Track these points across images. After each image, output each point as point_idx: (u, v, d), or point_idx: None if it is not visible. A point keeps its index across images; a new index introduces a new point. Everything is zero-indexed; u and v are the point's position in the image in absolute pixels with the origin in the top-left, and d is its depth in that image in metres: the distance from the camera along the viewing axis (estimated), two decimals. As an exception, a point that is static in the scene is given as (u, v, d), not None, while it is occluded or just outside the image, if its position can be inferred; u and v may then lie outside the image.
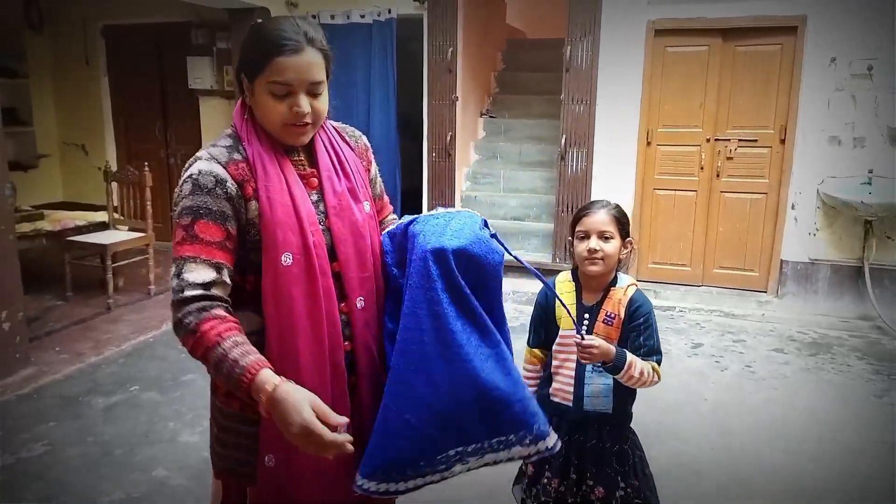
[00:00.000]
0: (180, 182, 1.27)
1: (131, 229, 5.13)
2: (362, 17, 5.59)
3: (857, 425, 3.22)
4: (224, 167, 1.26)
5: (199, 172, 1.25)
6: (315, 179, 1.36)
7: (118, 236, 4.96)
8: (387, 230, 1.50)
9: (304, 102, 1.27)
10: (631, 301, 1.82)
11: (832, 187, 4.61)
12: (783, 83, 4.80)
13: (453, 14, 5.41)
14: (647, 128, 5.16)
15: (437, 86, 5.56)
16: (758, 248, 5.05)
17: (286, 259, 1.26)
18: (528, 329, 2.02)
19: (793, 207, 4.83)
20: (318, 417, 1.09)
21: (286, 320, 1.28)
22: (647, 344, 1.80)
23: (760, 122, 4.92)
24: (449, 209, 1.43)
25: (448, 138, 5.58)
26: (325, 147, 1.39)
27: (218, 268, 1.23)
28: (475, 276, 1.33)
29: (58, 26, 6.75)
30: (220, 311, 1.19)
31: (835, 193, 4.57)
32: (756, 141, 4.95)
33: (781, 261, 4.92)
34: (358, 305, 1.37)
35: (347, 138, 1.49)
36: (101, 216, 5.26)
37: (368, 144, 1.56)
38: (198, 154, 1.30)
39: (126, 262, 5.04)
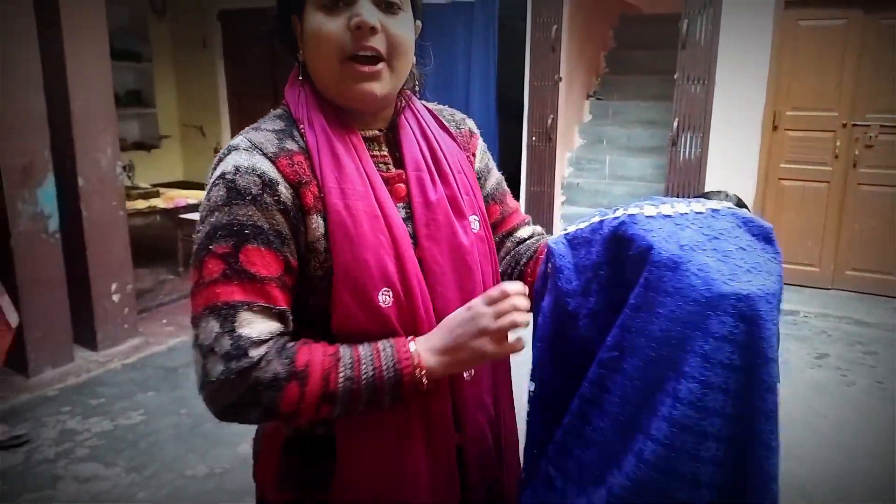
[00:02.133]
0: (207, 186, 0.84)
1: None
2: (465, -6, 5.45)
3: None
4: (273, 161, 0.83)
5: (236, 171, 0.81)
6: (402, 185, 0.91)
7: (224, 215, 5.13)
8: (562, 235, 0.93)
9: (369, 9, 0.83)
10: None
11: None
12: (940, 60, 4.18)
13: (560, -11, 5.14)
14: (773, 110, 4.67)
15: (540, 65, 5.31)
16: (899, 248, 4.47)
17: (385, 299, 0.83)
18: None
19: (945, 203, 4.23)
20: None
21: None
22: None
23: (908, 106, 4.32)
24: (685, 201, 0.88)
25: (549, 121, 5.34)
26: (415, 135, 0.95)
27: (283, 318, 0.82)
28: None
29: (178, 11, 7.09)
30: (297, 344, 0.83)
31: None
32: (902, 126, 4.36)
33: (927, 264, 4.34)
34: (465, 375, 0.92)
35: (446, 123, 1.02)
36: (211, 195, 5.47)
37: (475, 129, 1.08)
38: (233, 141, 0.87)
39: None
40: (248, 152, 0.83)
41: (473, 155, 1.05)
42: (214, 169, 0.84)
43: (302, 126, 0.88)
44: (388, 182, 0.90)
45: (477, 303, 0.82)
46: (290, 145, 0.86)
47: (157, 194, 5.25)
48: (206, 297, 0.79)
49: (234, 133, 7.07)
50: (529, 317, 0.81)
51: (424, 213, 0.90)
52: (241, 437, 2.91)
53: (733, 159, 4.77)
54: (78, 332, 3.57)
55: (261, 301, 0.79)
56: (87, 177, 3.52)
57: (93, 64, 3.48)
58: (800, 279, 4.72)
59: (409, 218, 0.90)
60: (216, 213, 0.81)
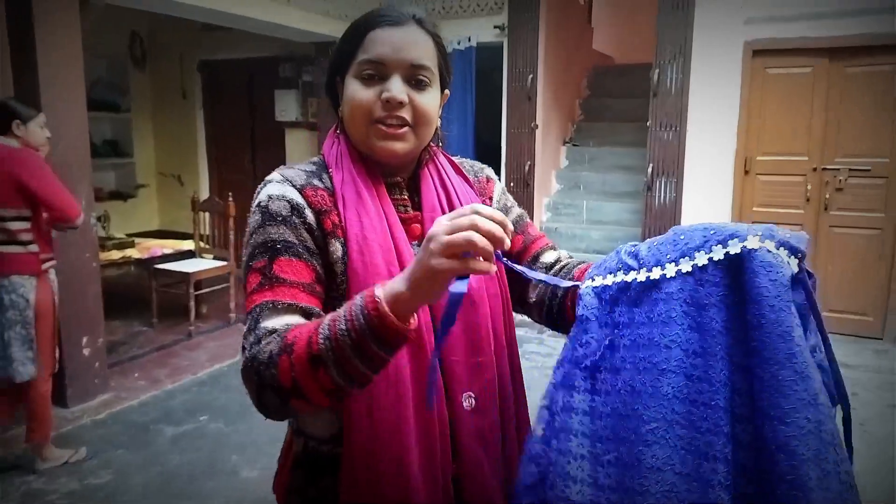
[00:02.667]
0: (250, 216, 0.97)
1: (216, 258, 5.25)
2: (443, 46, 5.56)
3: None
4: (300, 191, 0.96)
5: (269, 198, 0.95)
6: (418, 225, 1.01)
7: (202, 264, 5.07)
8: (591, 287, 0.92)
9: (398, 86, 0.94)
10: None
11: (963, 222, 4.08)
12: (901, 107, 4.33)
13: (534, 40, 5.27)
14: (745, 155, 4.78)
15: (516, 113, 5.41)
16: (872, 289, 4.54)
17: None
18: None
19: (914, 244, 4.32)
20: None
21: (385, 422, 0.91)
22: None
23: (874, 151, 4.45)
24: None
25: (527, 167, 5.41)
26: (434, 183, 1.05)
27: (307, 315, 0.88)
28: None
29: (158, 63, 7.15)
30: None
31: (966, 229, 4.04)
32: (869, 171, 4.47)
33: (901, 304, 4.40)
34: (465, 405, 0.96)
35: (465, 173, 1.14)
36: (189, 245, 5.42)
37: (492, 176, 1.19)
38: (268, 177, 0.99)
39: (210, 289, 5.15)
40: (280, 184, 0.96)
41: (490, 199, 1.15)
42: (255, 199, 0.97)
43: (331, 169, 1.00)
44: (405, 222, 1.00)
45: (437, 219, 0.78)
46: (317, 182, 0.98)
47: (131, 244, 5.18)
48: (247, 306, 0.90)
49: (212, 182, 7.12)
50: (487, 243, 0.73)
51: None
52: (214, 495, 2.82)
53: (707, 203, 4.85)
54: (46, 388, 3.46)
55: (286, 299, 0.88)
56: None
57: (69, 115, 3.47)
58: (778, 321, 4.74)
59: None
60: (254, 236, 0.93)
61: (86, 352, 3.58)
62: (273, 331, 0.84)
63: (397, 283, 0.77)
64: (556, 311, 1.03)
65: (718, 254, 0.80)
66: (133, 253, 5.02)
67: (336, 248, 0.94)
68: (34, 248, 2.83)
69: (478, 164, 1.19)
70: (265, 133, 6.76)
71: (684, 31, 4.74)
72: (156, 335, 4.88)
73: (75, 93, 3.51)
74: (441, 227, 0.75)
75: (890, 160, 4.40)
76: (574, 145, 6.28)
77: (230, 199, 5.11)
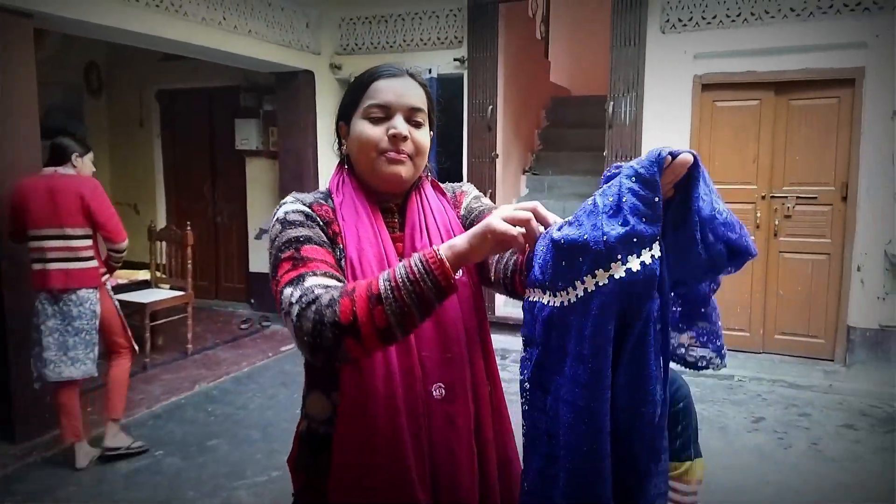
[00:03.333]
0: (270, 230, 1.16)
1: (173, 287, 5.15)
2: (404, 77, 5.63)
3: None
4: (309, 206, 1.17)
5: (286, 213, 1.15)
6: (401, 244, 1.21)
7: (158, 295, 4.97)
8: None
9: (402, 124, 1.16)
10: (670, 383, 1.60)
11: (902, 247, 4.28)
12: (842, 138, 4.54)
13: (493, 73, 5.39)
14: (696, 185, 4.93)
15: (477, 143, 5.50)
16: (822, 312, 4.70)
17: None
18: None
19: (858, 269, 4.49)
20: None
21: (370, 407, 1.09)
22: (685, 434, 1.56)
23: (819, 179, 4.65)
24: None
25: (488, 196, 5.47)
26: (417, 208, 1.24)
27: (341, 280, 1.07)
28: None
29: (115, 91, 7.05)
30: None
31: (906, 254, 4.23)
32: (815, 198, 4.67)
33: (848, 327, 4.55)
34: (435, 394, 1.15)
35: (446, 193, 1.34)
36: (144, 274, 5.31)
37: (466, 188, 1.38)
38: (283, 200, 1.21)
39: (166, 320, 5.03)
40: (293, 202, 1.17)
41: (460, 206, 1.33)
42: (273, 218, 1.16)
43: (333, 195, 1.20)
44: (395, 240, 1.20)
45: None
46: (322, 201, 1.20)
47: (86, 275, 5.04)
48: (283, 281, 1.04)
49: (169, 211, 7.01)
50: (537, 225, 1.02)
51: None
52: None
53: (664, 230, 4.97)
54: (-7, 424, 3.34)
55: (322, 268, 1.05)
56: (10, 258, 3.37)
57: (21, 142, 3.41)
58: (732, 344, 4.87)
59: None
60: (276, 241, 1.11)
61: (36, 385, 3.45)
62: (326, 286, 1.01)
63: (457, 241, 0.98)
64: (510, 287, 1.19)
65: (619, 272, 0.89)
66: (87, 284, 4.88)
67: (336, 253, 1.14)
68: (94, 263, 3.29)
69: (459, 186, 1.39)
70: (225, 161, 6.70)
71: (637, 66, 4.91)
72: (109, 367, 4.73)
73: (28, 120, 3.46)
74: (505, 208, 1.00)
75: (835, 188, 4.60)
76: (533, 174, 6.40)
77: (188, 227, 5.04)
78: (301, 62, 5.61)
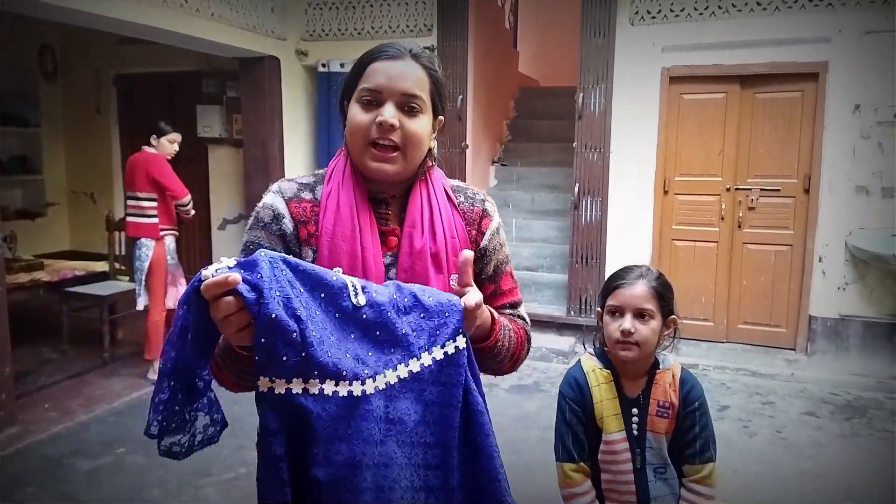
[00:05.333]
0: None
1: (132, 279, 4.99)
2: (372, 65, 5.54)
3: (904, 502, 2.92)
4: (286, 203, 1.14)
5: (262, 206, 1.15)
6: (395, 238, 1.15)
7: (117, 287, 4.81)
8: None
9: (391, 111, 1.09)
10: (682, 383, 1.55)
11: (861, 239, 4.38)
12: (805, 131, 4.63)
13: (463, 62, 5.34)
14: (663, 176, 4.98)
15: (447, 133, 5.45)
16: (784, 302, 4.80)
17: None
18: (555, 426, 1.60)
19: (820, 260, 4.60)
20: None
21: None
22: (704, 435, 1.52)
23: (783, 171, 4.73)
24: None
25: (458, 187, 5.45)
26: (421, 201, 1.16)
27: None
28: None
29: (70, 75, 6.79)
30: None
31: (864, 246, 4.33)
32: (779, 190, 4.75)
33: (810, 316, 4.66)
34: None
35: (457, 195, 1.24)
36: (102, 266, 5.14)
37: (490, 211, 1.26)
38: (270, 186, 1.19)
39: (126, 313, 4.88)
40: (274, 194, 1.16)
41: (482, 233, 1.24)
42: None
43: (325, 182, 1.15)
44: (385, 234, 1.14)
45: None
46: (306, 194, 1.16)
47: (40, 266, 4.86)
48: None
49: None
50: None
51: (406, 261, 1.12)
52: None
53: (630, 222, 5.02)
54: (-57, 424, 3.20)
55: None
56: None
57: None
58: (696, 334, 4.95)
59: (393, 264, 1.14)
60: (245, 234, 1.16)
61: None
62: None
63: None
64: None
65: (450, 348, 0.99)
66: (42, 275, 4.73)
67: (308, 254, 1.12)
68: (155, 220, 4.21)
69: (480, 195, 1.27)
70: (186, 149, 6.45)
71: (606, 57, 4.91)
72: (67, 363, 4.58)
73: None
74: (477, 293, 1.04)
75: (797, 180, 4.69)
76: (503, 165, 6.38)
77: (149, 218, 4.88)
78: (266, 48, 5.47)
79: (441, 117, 1.20)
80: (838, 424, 3.77)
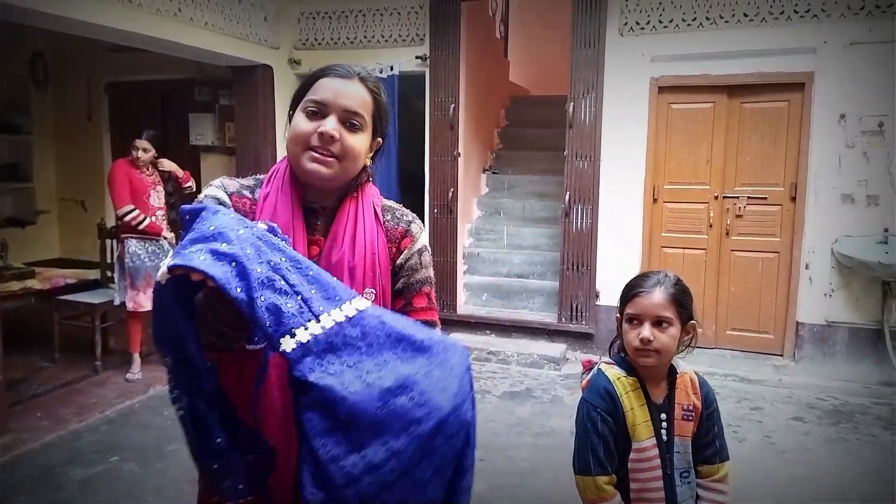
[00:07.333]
0: None
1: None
2: (365, 74, 5.58)
3: (890, 506, 2.98)
4: (228, 196, 1.21)
5: (205, 196, 1.20)
6: (316, 247, 1.21)
7: (108, 295, 4.80)
8: None
9: (333, 123, 1.17)
10: (700, 386, 1.59)
11: (847, 246, 4.46)
12: (791, 140, 4.71)
13: (455, 71, 5.39)
14: (652, 184, 5.05)
15: (439, 142, 5.50)
16: (771, 309, 4.87)
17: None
18: (579, 440, 1.55)
19: (807, 267, 4.67)
20: None
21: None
22: (721, 435, 1.56)
23: (770, 180, 4.81)
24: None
25: (450, 194, 5.48)
26: (347, 215, 1.23)
27: None
28: None
29: (62, 83, 6.79)
30: None
31: (850, 253, 4.41)
32: (766, 199, 4.83)
33: (797, 323, 4.73)
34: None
35: (385, 214, 1.29)
36: (94, 274, 5.13)
37: (414, 232, 1.31)
38: (211, 182, 1.24)
39: (118, 321, 4.87)
40: (216, 188, 1.22)
41: (400, 251, 1.29)
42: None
43: (264, 185, 1.22)
44: (310, 242, 1.20)
45: None
46: (246, 193, 1.23)
47: (32, 275, 4.85)
48: None
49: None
50: None
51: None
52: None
53: (621, 229, 5.08)
54: (-64, 433, 3.19)
55: None
56: None
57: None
58: (688, 340, 4.99)
59: None
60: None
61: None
62: None
63: None
64: None
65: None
66: (34, 283, 4.71)
67: None
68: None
69: (409, 215, 1.34)
70: (179, 157, 6.44)
71: (596, 67, 4.98)
72: (59, 371, 4.57)
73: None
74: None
75: (784, 189, 4.77)
76: (494, 173, 6.43)
77: (141, 226, 4.88)
78: (259, 56, 5.50)
79: (379, 139, 1.28)
80: (825, 429, 3.83)
